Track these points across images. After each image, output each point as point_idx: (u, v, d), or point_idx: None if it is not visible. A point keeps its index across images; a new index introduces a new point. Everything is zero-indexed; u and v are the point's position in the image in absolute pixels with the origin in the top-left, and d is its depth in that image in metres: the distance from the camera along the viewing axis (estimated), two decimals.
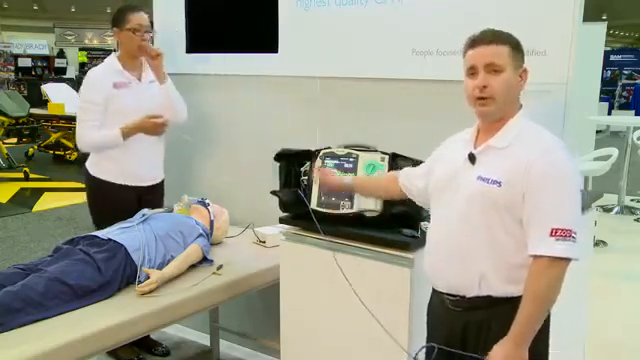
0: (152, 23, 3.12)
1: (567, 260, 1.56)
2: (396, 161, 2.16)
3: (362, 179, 2.14)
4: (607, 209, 6.75)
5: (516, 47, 1.67)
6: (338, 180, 2.15)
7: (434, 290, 1.84)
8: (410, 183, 1.98)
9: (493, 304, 1.66)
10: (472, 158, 1.72)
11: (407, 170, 2.03)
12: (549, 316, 1.67)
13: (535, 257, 1.58)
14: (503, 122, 1.70)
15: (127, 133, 2.88)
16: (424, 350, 1.81)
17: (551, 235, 1.55)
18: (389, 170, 2.15)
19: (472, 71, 1.69)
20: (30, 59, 18.04)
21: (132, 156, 2.97)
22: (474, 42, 1.69)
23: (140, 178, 3.02)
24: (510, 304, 1.62)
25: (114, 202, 2.94)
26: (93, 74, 2.96)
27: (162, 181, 3.16)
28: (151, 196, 3.05)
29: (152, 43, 3.09)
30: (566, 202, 1.59)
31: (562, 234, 1.55)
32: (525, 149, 1.62)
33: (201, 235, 2.65)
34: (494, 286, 1.66)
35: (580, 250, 1.58)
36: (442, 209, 1.78)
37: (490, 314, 1.67)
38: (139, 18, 2.91)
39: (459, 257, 1.71)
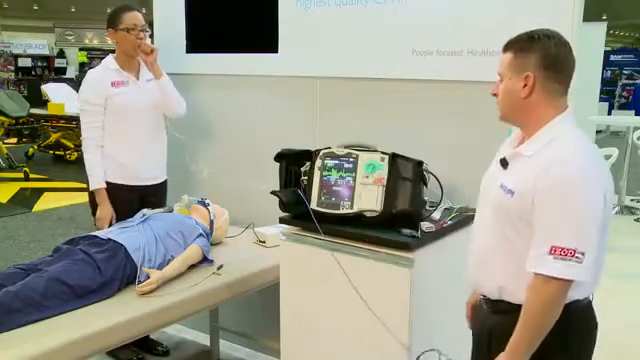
0: (152, 23, 3.12)
1: (565, 281, 1.50)
2: (396, 161, 2.16)
3: None
4: None
5: (519, 52, 1.61)
6: None
7: None
8: None
9: (514, 310, 1.62)
10: (503, 163, 1.69)
11: None
12: (585, 335, 1.65)
13: (534, 274, 1.54)
14: (536, 128, 1.63)
15: (97, 193, 2.93)
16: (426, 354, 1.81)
17: (550, 253, 1.49)
18: (389, 170, 2.15)
19: None
20: (30, 59, 18.02)
21: (134, 156, 2.99)
22: None
23: (142, 178, 3.03)
24: None
25: (116, 203, 2.94)
26: (91, 75, 2.99)
27: (165, 181, 3.17)
28: (154, 197, 3.06)
29: (152, 42, 3.10)
30: (572, 218, 1.50)
31: (562, 253, 1.48)
32: (542, 158, 1.56)
33: (201, 235, 2.65)
34: (513, 294, 1.64)
35: (589, 270, 1.50)
36: (478, 212, 1.79)
37: (511, 320, 1.62)
38: (133, 17, 2.93)
39: (482, 263, 1.72)
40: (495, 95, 1.70)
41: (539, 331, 1.55)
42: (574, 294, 1.56)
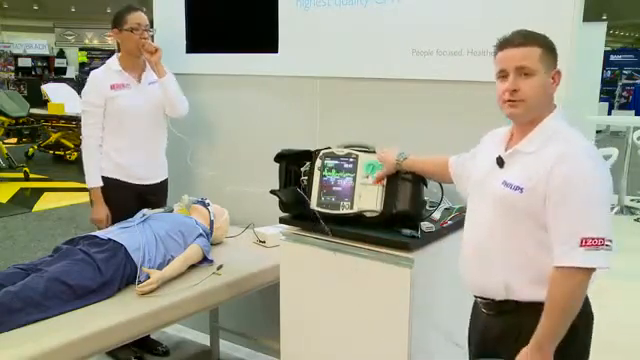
0: (152, 22, 3.13)
1: (592, 269, 1.51)
2: None
3: (413, 160, 2.10)
4: None
5: (548, 48, 1.62)
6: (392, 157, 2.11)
7: None
8: (460, 171, 1.98)
9: (522, 308, 1.64)
10: (500, 162, 1.69)
11: (458, 158, 2.02)
12: (590, 322, 1.67)
13: (557, 267, 1.53)
14: (534, 125, 1.64)
15: (93, 192, 2.94)
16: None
17: (581, 245, 1.49)
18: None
19: (502, 74, 1.64)
20: (30, 59, 18.02)
21: (133, 155, 3.00)
22: (504, 44, 1.63)
23: (142, 176, 3.04)
24: (541, 308, 1.58)
25: (116, 201, 2.95)
26: (93, 76, 3.00)
27: (165, 180, 3.17)
28: (154, 197, 3.05)
29: (152, 41, 3.10)
30: (594, 209, 1.52)
31: (593, 243, 1.49)
32: (549, 154, 1.57)
33: (201, 235, 2.65)
34: (521, 291, 1.64)
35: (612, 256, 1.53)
36: (472, 211, 1.78)
37: (520, 319, 1.64)
38: (137, 17, 2.95)
39: (485, 262, 1.71)
40: (515, 91, 1.61)
41: (567, 322, 1.55)
42: None
